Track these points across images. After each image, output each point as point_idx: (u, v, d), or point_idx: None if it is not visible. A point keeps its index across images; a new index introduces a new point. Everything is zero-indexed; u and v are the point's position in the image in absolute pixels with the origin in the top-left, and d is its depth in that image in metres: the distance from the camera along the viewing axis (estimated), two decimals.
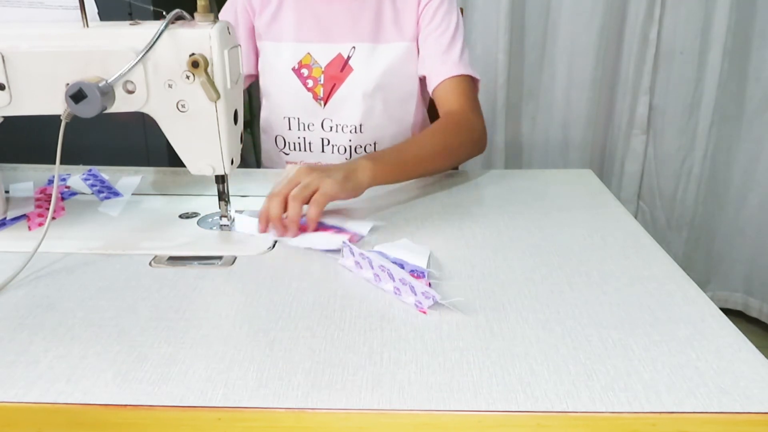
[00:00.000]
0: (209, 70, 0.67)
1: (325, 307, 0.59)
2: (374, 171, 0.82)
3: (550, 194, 0.91)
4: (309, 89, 1.08)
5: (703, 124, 1.72)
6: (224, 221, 0.77)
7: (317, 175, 0.76)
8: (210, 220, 0.80)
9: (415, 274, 0.64)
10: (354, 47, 1.06)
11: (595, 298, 0.61)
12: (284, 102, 1.11)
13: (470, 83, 1.05)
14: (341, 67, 1.07)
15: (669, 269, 0.68)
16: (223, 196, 0.75)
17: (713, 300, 0.61)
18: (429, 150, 0.93)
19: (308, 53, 1.08)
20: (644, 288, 0.63)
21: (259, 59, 1.11)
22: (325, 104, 1.09)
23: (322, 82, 1.08)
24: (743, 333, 0.55)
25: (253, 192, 0.90)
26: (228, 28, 0.69)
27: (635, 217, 0.86)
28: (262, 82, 1.13)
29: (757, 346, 0.53)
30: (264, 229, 0.75)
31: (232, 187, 0.77)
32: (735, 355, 0.52)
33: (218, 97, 0.67)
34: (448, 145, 0.96)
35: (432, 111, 1.25)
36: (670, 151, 1.77)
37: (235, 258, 0.70)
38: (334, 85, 1.08)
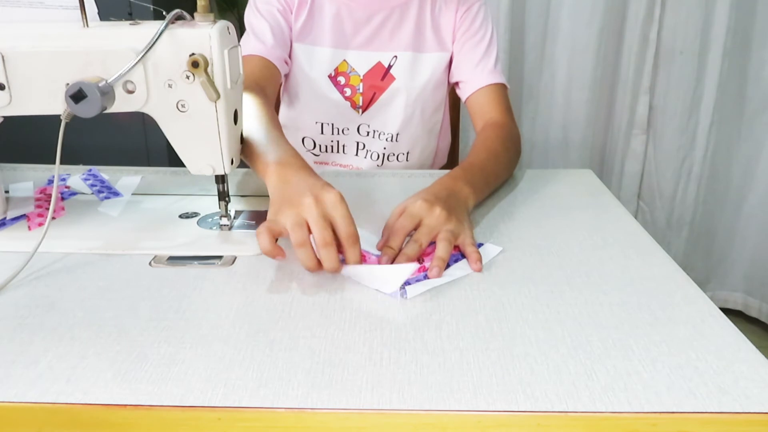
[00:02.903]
0: (209, 70, 0.67)
1: (325, 307, 0.59)
2: (476, 198, 0.81)
3: (550, 194, 0.91)
4: (347, 98, 1.06)
5: (703, 124, 1.72)
6: (224, 221, 0.77)
7: (454, 224, 0.71)
8: (210, 220, 0.80)
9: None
10: (396, 56, 1.05)
11: (595, 298, 0.61)
12: (318, 108, 1.08)
13: (503, 91, 1.06)
14: (382, 75, 1.05)
15: (669, 269, 0.68)
16: (223, 196, 0.75)
17: (713, 300, 0.61)
18: (502, 164, 0.93)
19: (344, 60, 1.05)
20: (644, 288, 0.63)
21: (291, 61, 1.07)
22: (363, 112, 1.07)
23: (361, 90, 1.06)
24: (743, 333, 0.55)
25: (253, 192, 0.90)
26: (228, 28, 0.69)
27: (635, 217, 0.86)
28: (289, 84, 1.10)
29: (757, 346, 0.53)
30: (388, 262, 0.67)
31: (232, 187, 0.77)
32: (735, 355, 0.52)
33: (218, 97, 0.67)
34: (511, 158, 0.97)
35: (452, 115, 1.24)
36: (670, 151, 1.77)
37: (235, 258, 0.70)
38: (374, 93, 1.06)
